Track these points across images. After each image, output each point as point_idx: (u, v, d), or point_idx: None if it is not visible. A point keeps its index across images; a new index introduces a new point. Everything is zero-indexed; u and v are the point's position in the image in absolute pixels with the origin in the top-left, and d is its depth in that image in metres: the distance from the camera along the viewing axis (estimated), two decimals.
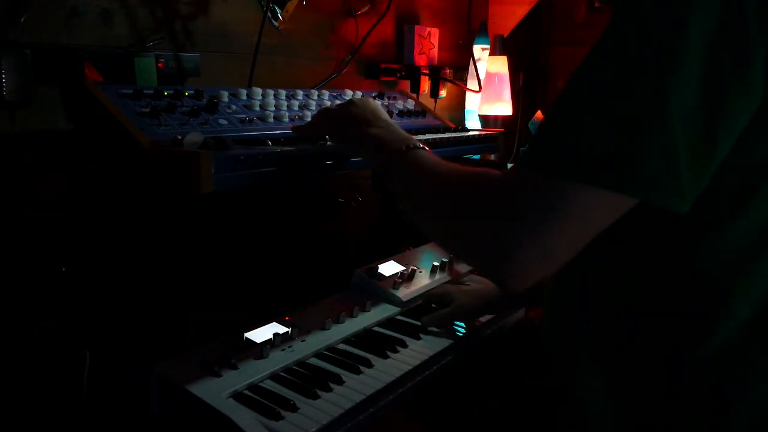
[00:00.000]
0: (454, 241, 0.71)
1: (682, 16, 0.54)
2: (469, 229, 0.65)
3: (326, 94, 1.22)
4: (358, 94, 1.28)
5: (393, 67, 1.66)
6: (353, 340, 1.03)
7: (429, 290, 1.23)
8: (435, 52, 1.75)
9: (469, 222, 0.65)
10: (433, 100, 1.76)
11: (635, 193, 0.56)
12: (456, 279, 1.32)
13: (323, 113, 0.97)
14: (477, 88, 1.82)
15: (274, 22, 1.28)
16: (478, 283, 1.33)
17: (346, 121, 0.92)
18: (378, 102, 0.98)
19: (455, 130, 1.38)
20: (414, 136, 0.86)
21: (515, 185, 0.62)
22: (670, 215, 0.58)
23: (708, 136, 0.55)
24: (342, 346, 1.01)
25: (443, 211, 0.71)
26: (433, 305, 1.18)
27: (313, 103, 1.14)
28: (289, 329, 0.99)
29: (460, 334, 1.10)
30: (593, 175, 0.56)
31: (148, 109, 0.88)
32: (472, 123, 1.98)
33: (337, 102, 1.20)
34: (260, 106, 1.05)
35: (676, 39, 0.54)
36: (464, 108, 2.01)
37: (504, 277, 0.62)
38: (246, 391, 0.85)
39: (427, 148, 0.82)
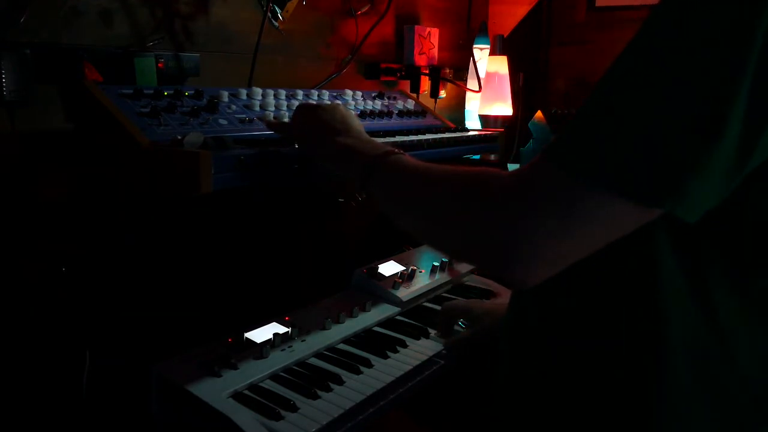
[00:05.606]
0: (458, 239, 0.67)
1: (752, 20, 0.49)
2: (478, 225, 0.61)
3: (326, 94, 1.22)
4: (358, 94, 1.28)
5: (393, 67, 1.66)
6: (353, 340, 1.03)
7: (448, 302, 1.14)
8: (435, 52, 1.75)
9: (478, 217, 0.61)
10: (433, 100, 1.76)
11: (665, 207, 0.53)
12: (456, 279, 1.32)
13: (300, 111, 0.92)
14: (477, 88, 1.82)
15: (274, 22, 1.28)
16: (485, 286, 1.32)
17: (315, 129, 0.87)
18: (349, 110, 0.93)
19: (455, 130, 1.38)
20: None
21: (539, 180, 0.58)
22: None
23: (745, 150, 0.52)
24: (342, 346, 1.01)
25: (447, 209, 0.67)
26: (461, 323, 1.10)
27: (313, 103, 1.14)
28: (289, 329, 0.99)
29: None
30: (626, 187, 0.53)
31: (148, 109, 0.88)
32: (472, 123, 1.98)
33: (337, 102, 1.20)
34: (260, 106, 1.05)
35: (743, 46, 0.49)
36: (464, 108, 2.01)
37: (511, 273, 0.60)
38: (246, 391, 0.85)
39: (405, 153, 0.78)
